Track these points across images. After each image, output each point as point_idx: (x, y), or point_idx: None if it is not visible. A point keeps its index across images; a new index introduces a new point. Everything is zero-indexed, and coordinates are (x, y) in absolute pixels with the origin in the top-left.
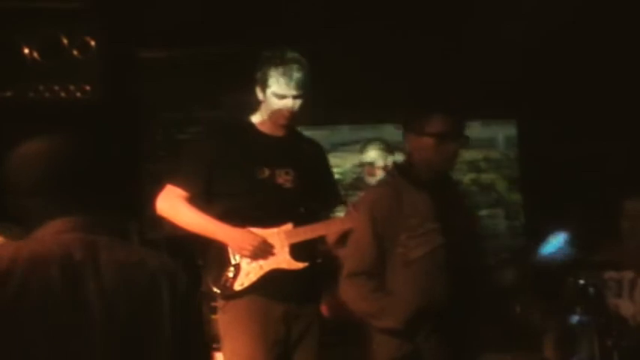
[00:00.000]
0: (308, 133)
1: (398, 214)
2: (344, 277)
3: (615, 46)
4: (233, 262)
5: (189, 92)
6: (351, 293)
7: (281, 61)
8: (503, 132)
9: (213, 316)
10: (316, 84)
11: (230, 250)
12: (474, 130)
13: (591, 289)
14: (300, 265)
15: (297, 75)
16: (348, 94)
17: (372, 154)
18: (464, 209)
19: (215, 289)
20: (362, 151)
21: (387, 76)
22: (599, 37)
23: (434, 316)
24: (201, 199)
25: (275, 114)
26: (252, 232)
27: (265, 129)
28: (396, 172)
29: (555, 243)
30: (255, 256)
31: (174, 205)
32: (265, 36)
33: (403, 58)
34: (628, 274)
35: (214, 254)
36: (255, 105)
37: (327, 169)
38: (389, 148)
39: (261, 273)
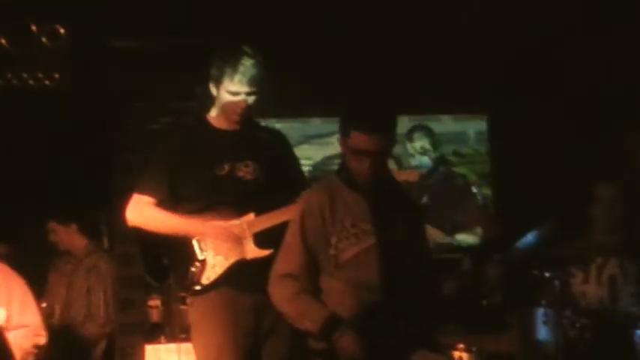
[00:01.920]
0: (280, 125)
1: (330, 217)
2: (272, 277)
3: (586, 43)
4: (199, 257)
5: (162, 82)
6: (277, 294)
7: (234, 58)
8: (473, 127)
9: (182, 307)
10: (289, 76)
11: (195, 247)
12: (445, 124)
13: (557, 282)
14: (264, 252)
15: (250, 71)
16: (320, 86)
17: None
18: (405, 210)
19: (182, 287)
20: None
21: (360, 70)
22: (571, 35)
23: (365, 319)
24: (168, 204)
25: (228, 110)
26: (224, 224)
27: (221, 125)
28: (334, 173)
29: (531, 237)
30: (229, 241)
31: (143, 212)
32: (239, 27)
33: (375, 52)
34: (597, 261)
35: (179, 251)
36: (209, 100)
37: (289, 155)
38: None
39: (227, 264)
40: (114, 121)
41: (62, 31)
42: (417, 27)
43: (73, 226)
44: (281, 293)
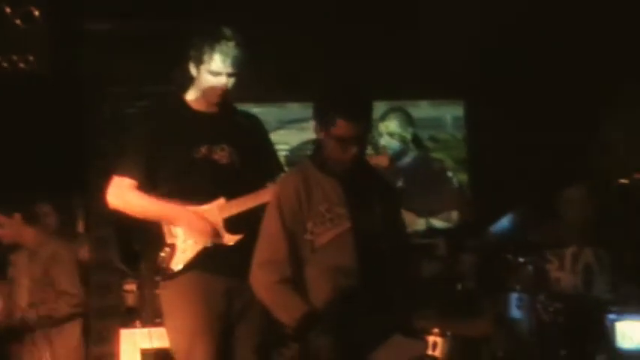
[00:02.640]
0: (257, 110)
1: (306, 202)
2: (254, 266)
3: (564, 35)
4: (168, 241)
5: (139, 66)
6: (257, 282)
7: (216, 39)
8: (450, 112)
9: (157, 291)
10: (266, 61)
11: (165, 232)
12: (422, 109)
13: (530, 267)
14: (234, 237)
15: (232, 53)
16: (297, 71)
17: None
18: (381, 194)
19: (153, 272)
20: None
21: (337, 56)
22: (549, 24)
23: (341, 303)
24: (147, 185)
25: (208, 91)
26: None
27: (199, 106)
28: (307, 158)
29: (505, 221)
30: (205, 234)
31: (124, 195)
32: (214, 11)
33: (353, 38)
34: (571, 249)
35: (151, 238)
36: (188, 81)
37: (265, 140)
38: None
39: (197, 249)
40: (89, 105)
41: (37, 13)
42: (395, 13)
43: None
44: (261, 281)
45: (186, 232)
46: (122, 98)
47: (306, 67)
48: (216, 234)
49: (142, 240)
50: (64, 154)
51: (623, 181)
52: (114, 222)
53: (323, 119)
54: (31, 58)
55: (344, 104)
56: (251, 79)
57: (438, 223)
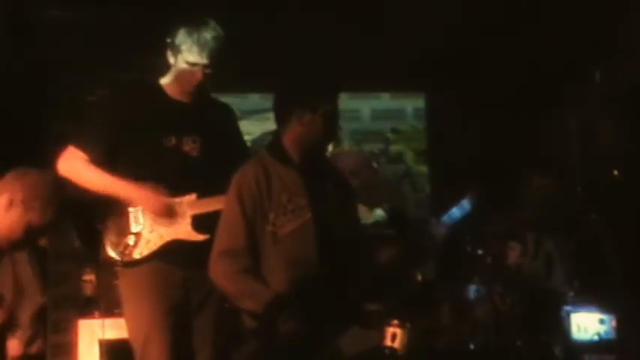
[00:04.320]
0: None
1: (267, 193)
2: (213, 256)
3: (523, 27)
4: (134, 230)
5: (99, 54)
6: (218, 272)
7: (196, 29)
8: (411, 104)
9: (116, 281)
10: (228, 51)
11: (131, 218)
12: (383, 101)
13: (489, 259)
14: (200, 237)
15: (210, 44)
16: (258, 62)
17: None
18: (335, 184)
19: (114, 256)
20: None
21: (299, 48)
22: (509, 17)
23: (302, 293)
24: (104, 165)
25: (184, 80)
26: (159, 193)
27: (173, 93)
28: (264, 150)
29: (458, 210)
30: (161, 215)
31: (76, 165)
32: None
33: (315, 29)
34: (532, 235)
35: (114, 220)
36: (165, 67)
37: (236, 133)
38: None
39: (161, 242)
40: (49, 93)
41: None
42: (357, 5)
43: None
44: (222, 271)
45: (153, 224)
46: (82, 86)
47: (266, 58)
48: (181, 229)
49: (103, 220)
50: (22, 140)
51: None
52: (71, 200)
53: (310, 100)
54: None
55: (329, 92)
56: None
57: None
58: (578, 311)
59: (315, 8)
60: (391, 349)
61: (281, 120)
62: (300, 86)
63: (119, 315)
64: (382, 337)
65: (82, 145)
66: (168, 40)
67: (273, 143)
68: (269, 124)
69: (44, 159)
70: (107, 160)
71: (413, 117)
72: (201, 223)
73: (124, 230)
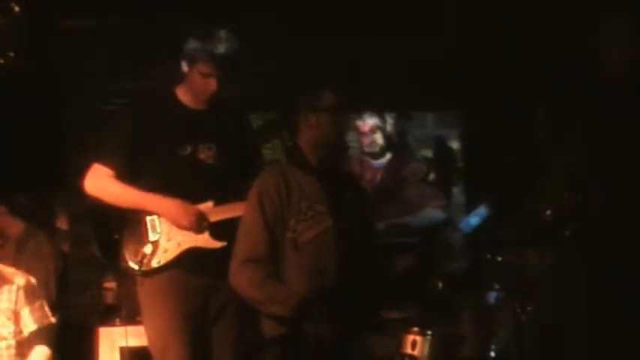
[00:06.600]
0: None
1: (287, 199)
2: (235, 264)
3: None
4: (151, 238)
5: (118, 63)
6: (242, 280)
7: (211, 40)
8: None
9: (137, 289)
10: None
11: (149, 226)
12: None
13: (508, 266)
14: (218, 244)
15: (225, 55)
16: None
17: None
18: (354, 192)
19: (132, 266)
20: None
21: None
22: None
23: (323, 300)
24: (127, 177)
25: (199, 91)
26: (186, 204)
27: (188, 102)
28: (284, 157)
29: (476, 217)
30: (192, 229)
31: (102, 183)
32: (194, 8)
33: (301, 44)
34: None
35: (132, 229)
36: (180, 76)
37: (251, 140)
38: None
39: (178, 251)
40: (69, 102)
41: (17, 8)
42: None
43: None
44: (247, 279)
45: (170, 232)
46: (101, 95)
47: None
48: (199, 236)
49: (121, 230)
50: (44, 150)
51: None
52: (92, 211)
53: (310, 99)
54: (11, 54)
55: (337, 97)
56: None
57: None
58: None
59: (301, 24)
60: (411, 356)
61: (293, 130)
62: (301, 94)
63: (140, 323)
64: (401, 344)
65: (106, 161)
66: (184, 51)
67: (292, 151)
68: None
69: (65, 167)
70: (130, 172)
71: None
72: (218, 230)
73: (141, 239)
